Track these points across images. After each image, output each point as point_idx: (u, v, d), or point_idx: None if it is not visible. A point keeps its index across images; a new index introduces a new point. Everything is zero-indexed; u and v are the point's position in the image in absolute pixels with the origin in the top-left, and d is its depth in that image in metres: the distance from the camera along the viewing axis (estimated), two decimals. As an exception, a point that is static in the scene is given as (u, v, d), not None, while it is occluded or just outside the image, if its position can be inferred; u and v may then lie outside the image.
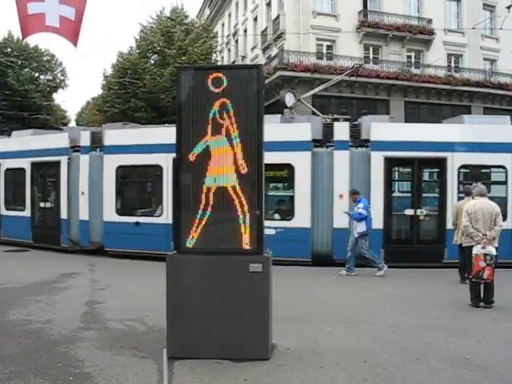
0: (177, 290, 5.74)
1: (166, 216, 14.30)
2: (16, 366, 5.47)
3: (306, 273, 11.92)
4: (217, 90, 5.74)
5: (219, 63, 40.47)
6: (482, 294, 8.56)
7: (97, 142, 15.49)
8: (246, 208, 5.71)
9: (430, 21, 33.61)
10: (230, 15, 45.26)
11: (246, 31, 39.89)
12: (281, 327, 6.50)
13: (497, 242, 8.66)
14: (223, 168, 5.74)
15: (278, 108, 20.67)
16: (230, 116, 5.73)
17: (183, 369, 5.40)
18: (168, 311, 5.78)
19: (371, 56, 33.13)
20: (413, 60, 34.22)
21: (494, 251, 8.40)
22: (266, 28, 34.68)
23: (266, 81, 28.66)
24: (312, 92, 19.47)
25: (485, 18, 34.36)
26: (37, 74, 44.29)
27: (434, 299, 9.20)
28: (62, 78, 46.78)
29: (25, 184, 16.90)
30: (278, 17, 32.52)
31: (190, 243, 5.79)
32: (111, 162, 15.05)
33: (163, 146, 13.41)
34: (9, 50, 41.48)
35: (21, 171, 17.07)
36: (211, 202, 5.74)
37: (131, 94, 32.70)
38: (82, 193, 15.35)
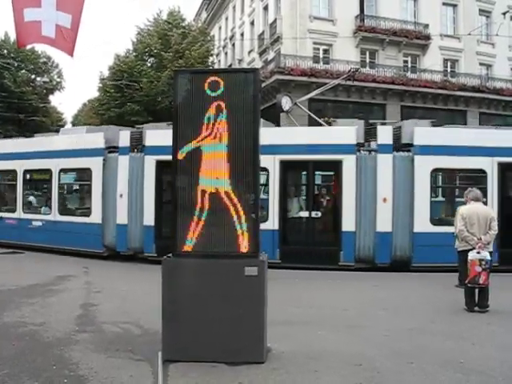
0: (172, 293, 5.74)
1: None
2: (10, 369, 5.45)
3: (301, 277, 11.91)
4: (213, 94, 5.76)
5: (216, 66, 40.50)
6: (476, 299, 8.59)
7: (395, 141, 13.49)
8: (241, 211, 5.72)
9: (426, 26, 33.77)
10: (227, 19, 45.34)
11: (242, 35, 39.95)
12: (276, 331, 6.49)
13: (491, 247, 8.73)
14: (219, 171, 5.75)
15: (274, 111, 20.72)
16: (227, 119, 5.74)
17: (178, 372, 5.40)
18: (163, 314, 5.77)
19: (368, 60, 33.23)
20: (409, 65, 34.35)
21: (488, 256, 8.44)
22: (263, 32, 34.76)
23: (263, 84, 28.69)
24: (308, 96, 19.49)
25: (481, 24, 34.52)
26: (33, 76, 44.24)
27: (429, 303, 9.21)
28: (58, 80, 46.72)
29: (268, 188, 13.92)
30: (274, 21, 32.59)
31: (185, 246, 5.79)
32: (425, 164, 13.05)
33: (487, 150, 12.86)
34: (5, 51, 41.41)
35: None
36: (207, 206, 5.75)
37: (128, 97, 32.67)
38: (385, 199, 13.00)
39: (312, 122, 18.23)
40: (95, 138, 15.20)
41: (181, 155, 5.83)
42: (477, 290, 8.59)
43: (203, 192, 5.75)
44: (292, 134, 14.37)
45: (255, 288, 5.70)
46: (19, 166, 16.83)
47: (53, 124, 44.83)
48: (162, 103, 31.63)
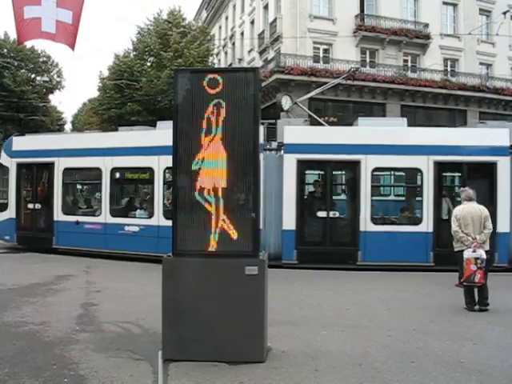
0: (172, 293, 5.73)
1: None
2: (10, 368, 5.45)
3: (302, 276, 11.90)
4: (213, 92, 5.74)
5: (216, 66, 40.48)
6: (476, 298, 8.60)
7: None
8: (241, 210, 5.71)
9: (426, 25, 33.76)
10: (227, 18, 45.33)
11: (242, 34, 39.93)
12: (276, 330, 6.50)
13: (487, 246, 8.75)
14: (219, 170, 5.73)
15: (274, 111, 20.72)
16: (227, 118, 5.73)
17: (178, 371, 5.39)
18: (163, 313, 5.77)
19: (368, 60, 33.22)
20: (409, 64, 34.34)
21: (484, 255, 8.46)
22: (263, 31, 34.73)
23: (263, 84, 28.70)
24: (308, 95, 19.48)
25: (481, 24, 34.51)
26: (33, 75, 44.21)
27: (430, 303, 9.21)
28: (58, 79, 46.69)
29: (421, 190, 13.44)
30: (275, 20, 32.57)
31: (185, 245, 5.78)
32: None
33: None
34: (5, 50, 41.38)
35: (411, 172, 14.04)
36: (207, 205, 5.74)
37: (128, 96, 32.64)
38: None
39: (312, 122, 18.22)
40: None
41: (180, 154, 5.82)
42: (476, 290, 8.62)
43: (203, 191, 5.74)
44: (445, 134, 14.00)
45: (255, 287, 5.69)
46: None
47: (52, 123, 44.81)
48: (161, 102, 31.59)
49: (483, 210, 8.80)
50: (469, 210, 8.76)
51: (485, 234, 8.63)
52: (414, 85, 31.94)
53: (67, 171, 15.89)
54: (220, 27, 47.75)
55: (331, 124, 18.62)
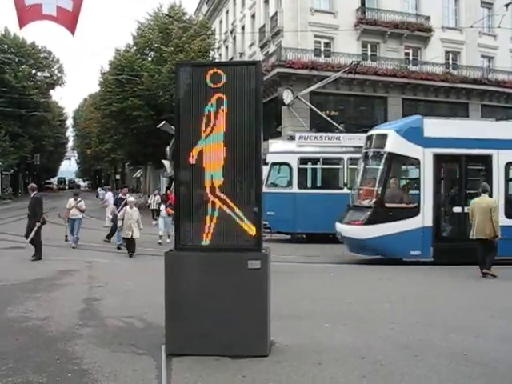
0: (175, 287, 5.73)
1: None
2: (14, 363, 5.46)
3: (304, 270, 11.91)
4: (215, 87, 5.72)
5: (217, 60, 40.41)
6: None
7: None
8: (243, 205, 5.70)
9: (427, 18, 33.61)
10: (227, 12, 45.18)
11: (243, 28, 39.81)
12: (279, 324, 6.49)
13: None
14: (221, 165, 5.72)
15: (275, 105, 20.71)
16: (229, 112, 5.71)
17: (182, 365, 5.39)
18: (166, 308, 5.77)
19: (369, 53, 33.11)
20: (411, 57, 34.22)
21: None
22: (264, 25, 34.62)
23: (264, 78, 28.60)
24: (310, 89, 19.51)
25: (483, 16, 34.37)
26: (34, 71, 44.21)
27: (433, 296, 9.21)
28: (59, 74, 46.76)
29: None
30: (275, 14, 32.46)
31: (188, 240, 5.78)
32: None
33: None
34: (6, 46, 41.39)
35: None
36: (209, 200, 5.73)
37: (129, 91, 32.60)
38: None
39: (313, 115, 18.22)
40: None
41: (182, 149, 5.81)
42: None
43: (206, 185, 5.73)
44: None
45: (258, 281, 5.69)
46: None
47: (54, 119, 44.84)
48: (163, 97, 31.56)
49: None
50: None
51: None
52: (416, 78, 31.84)
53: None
54: (221, 21, 47.60)
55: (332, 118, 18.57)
